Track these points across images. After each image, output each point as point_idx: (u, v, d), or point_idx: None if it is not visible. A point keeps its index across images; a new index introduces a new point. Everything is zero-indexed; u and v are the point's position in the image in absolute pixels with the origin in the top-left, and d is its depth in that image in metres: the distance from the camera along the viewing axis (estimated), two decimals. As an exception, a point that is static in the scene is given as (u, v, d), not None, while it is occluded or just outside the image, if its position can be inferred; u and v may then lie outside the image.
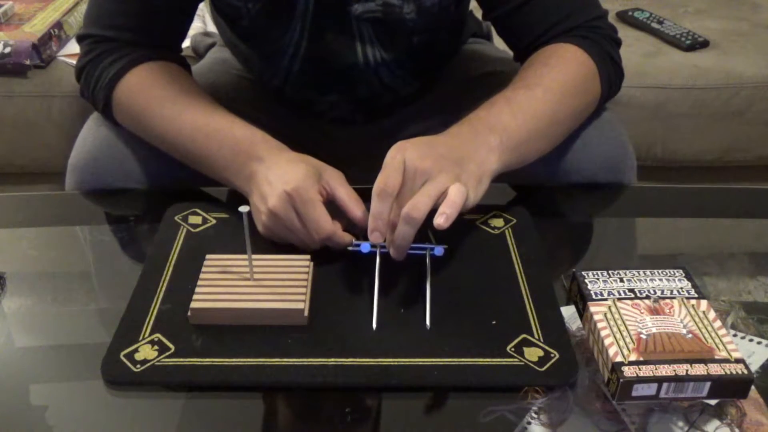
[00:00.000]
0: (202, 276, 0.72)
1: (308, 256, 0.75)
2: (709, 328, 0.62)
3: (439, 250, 0.73)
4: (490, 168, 0.77)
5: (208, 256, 0.74)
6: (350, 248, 0.75)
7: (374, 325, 0.68)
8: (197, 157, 0.85)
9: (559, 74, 0.86)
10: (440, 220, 0.68)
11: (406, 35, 0.95)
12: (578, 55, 0.89)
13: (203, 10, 1.64)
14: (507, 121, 0.80)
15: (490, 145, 0.77)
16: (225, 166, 0.82)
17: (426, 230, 0.72)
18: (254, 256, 0.72)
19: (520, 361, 0.65)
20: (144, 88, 0.89)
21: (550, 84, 0.85)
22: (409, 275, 0.74)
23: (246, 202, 0.79)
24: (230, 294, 0.70)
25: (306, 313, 0.69)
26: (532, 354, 0.65)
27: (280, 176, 0.76)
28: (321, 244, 0.76)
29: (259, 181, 0.77)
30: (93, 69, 0.91)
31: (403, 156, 0.71)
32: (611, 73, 0.91)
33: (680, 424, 0.60)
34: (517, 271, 0.75)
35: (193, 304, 0.69)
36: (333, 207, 0.76)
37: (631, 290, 0.67)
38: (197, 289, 0.70)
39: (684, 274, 0.69)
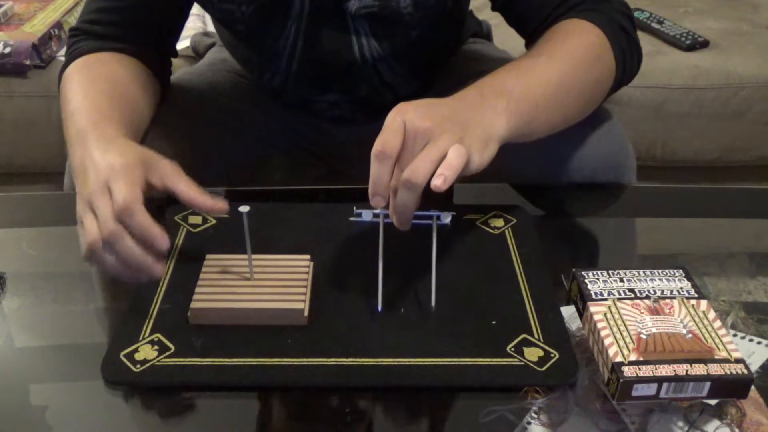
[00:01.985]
0: (202, 276, 0.72)
1: (308, 256, 0.74)
2: (709, 328, 0.62)
3: (445, 216, 0.70)
4: (497, 132, 0.73)
5: (208, 256, 0.74)
6: (351, 218, 0.72)
7: (379, 307, 0.68)
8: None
9: (563, 44, 0.84)
10: (438, 182, 0.64)
11: (404, 30, 0.94)
12: (582, 25, 0.86)
13: (203, 10, 1.64)
14: (512, 86, 0.77)
15: (496, 109, 0.74)
16: (70, 154, 0.78)
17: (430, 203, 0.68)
18: (254, 256, 0.72)
19: (520, 361, 0.65)
20: (68, 82, 0.89)
21: (554, 52, 0.83)
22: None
23: (246, 202, 0.79)
24: (230, 294, 0.70)
25: (306, 313, 0.69)
26: (532, 354, 0.65)
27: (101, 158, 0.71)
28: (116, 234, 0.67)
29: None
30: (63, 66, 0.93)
31: (403, 117, 0.68)
32: (623, 44, 0.88)
33: (680, 424, 0.60)
34: (517, 271, 0.75)
35: (193, 304, 0.69)
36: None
37: (631, 290, 0.66)
38: (197, 289, 0.70)
39: (684, 274, 0.69)
